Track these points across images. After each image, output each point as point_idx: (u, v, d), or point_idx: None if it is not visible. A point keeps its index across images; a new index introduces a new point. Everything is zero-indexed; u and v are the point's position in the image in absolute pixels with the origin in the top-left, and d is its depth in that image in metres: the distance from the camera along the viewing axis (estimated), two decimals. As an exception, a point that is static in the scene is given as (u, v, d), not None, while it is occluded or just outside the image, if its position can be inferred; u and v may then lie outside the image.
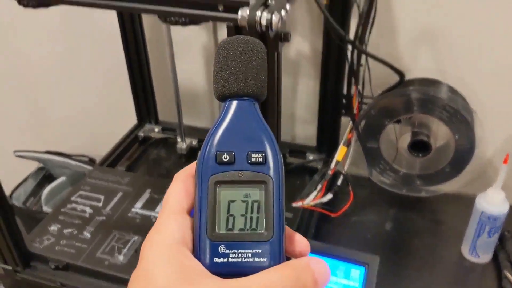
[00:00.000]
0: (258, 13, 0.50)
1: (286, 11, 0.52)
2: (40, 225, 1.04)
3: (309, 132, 1.33)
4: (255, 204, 0.36)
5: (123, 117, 1.46)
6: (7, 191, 1.49)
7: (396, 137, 1.11)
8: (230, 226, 0.36)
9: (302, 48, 1.24)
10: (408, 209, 1.17)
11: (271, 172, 0.36)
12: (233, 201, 0.36)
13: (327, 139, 1.23)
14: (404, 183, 1.14)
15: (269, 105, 0.57)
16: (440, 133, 1.08)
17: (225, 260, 0.35)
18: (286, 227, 0.37)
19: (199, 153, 0.37)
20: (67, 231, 1.02)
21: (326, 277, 0.34)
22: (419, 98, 1.01)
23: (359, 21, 1.00)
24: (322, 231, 1.10)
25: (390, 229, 1.12)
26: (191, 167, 0.39)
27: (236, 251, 0.35)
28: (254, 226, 0.36)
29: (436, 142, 1.08)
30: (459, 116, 0.99)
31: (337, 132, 1.22)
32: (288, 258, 0.36)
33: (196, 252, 0.35)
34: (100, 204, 1.08)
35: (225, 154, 0.36)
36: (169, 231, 0.35)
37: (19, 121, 1.69)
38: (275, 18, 0.49)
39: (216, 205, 0.36)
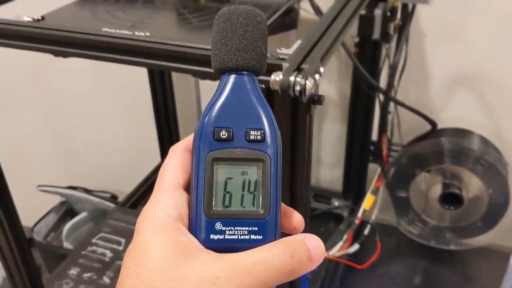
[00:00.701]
0: (291, 78, 0.48)
1: (320, 74, 0.50)
2: (60, 268, 1.03)
3: (334, 176, 1.30)
4: (252, 182, 0.35)
5: (147, 155, 1.45)
6: (29, 225, 1.51)
7: (426, 187, 1.07)
8: (227, 203, 0.35)
9: (329, 91, 1.22)
10: (438, 262, 1.12)
11: (269, 150, 0.35)
12: (230, 178, 0.35)
13: (354, 185, 1.19)
14: (433, 235, 1.09)
15: (298, 170, 0.55)
16: (473, 185, 1.04)
17: (221, 237, 0.35)
18: (283, 204, 0.37)
19: (196, 127, 0.36)
20: (86, 275, 1.00)
21: (321, 253, 0.34)
22: (451, 149, 0.98)
23: (390, 68, 0.98)
24: (348, 284, 1.06)
25: (419, 283, 1.07)
26: (188, 141, 0.37)
27: (232, 228, 0.35)
28: (250, 203, 0.35)
29: (468, 194, 1.04)
30: (494, 170, 0.95)
31: (364, 178, 1.18)
32: (287, 235, 0.36)
33: (192, 228, 0.35)
34: (121, 248, 1.06)
35: (223, 131, 0.35)
36: (164, 207, 0.34)
37: (45, 154, 1.70)
38: (309, 83, 0.47)
39: (213, 182, 0.35)
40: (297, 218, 0.38)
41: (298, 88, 0.48)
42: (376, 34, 0.93)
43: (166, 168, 0.37)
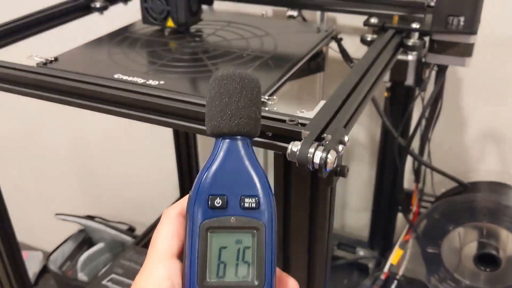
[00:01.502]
0: (310, 150, 0.42)
1: (345, 144, 0.45)
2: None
3: (360, 222, 1.22)
4: (247, 251, 0.35)
5: (166, 188, 1.42)
6: (47, 254, 1.49)
7: (460, 244, 0.99)
8: (220, 274, 0.35)
9: (357, 133, 1.16)
10: (471, 325, 1.03)
11: (264, 218, 0.35)
12: (224, 248, 0.35)
13: (381, 235, 1.12)
14: (466, 295, 1.01)
15: (317, 247, 0.49)
16: (510, 245, 0.95)
17: None
18: (278, 269, 0.36)
19: (190, 194, 0.35)
20: (93, 320, 0.95)
21: None
22: (488, 206, 0.90)
23: (421, 115, 0.91)
24: None
25: None
26: (181, 205, 0.37)
27: None
28: (245, 274, 0.35)
29: (506, 254, 0.95)
30: (535, 231, 0.87)
31: (392, 228, 1.11)
32: None
33: None
34: (131, 292, 1.01)
35: (218, 198, 0.35)
36: (156, 279, 0.34)
37: (66, 182, 1.68)
38: (330, 157, 0.42)
39: (207, 252, 0.35)
40: (292, 285, 0.37)
41: (318, 161, 0.42)
42: (410, 80, 0.87)
43: (159, 236, 0.36)
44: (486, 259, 0.94)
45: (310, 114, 0.49)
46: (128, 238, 1.43)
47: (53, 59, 0.69)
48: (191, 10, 0.77)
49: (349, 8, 0.78)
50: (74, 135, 1.56)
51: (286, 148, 0.46)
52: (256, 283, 0.34)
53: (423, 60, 0.84)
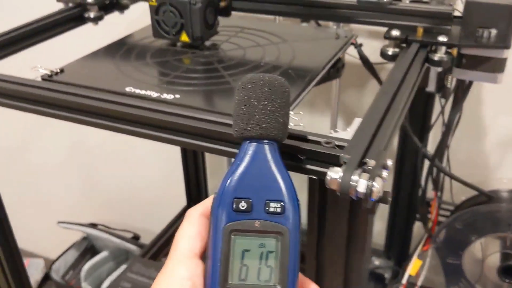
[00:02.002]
0: (354, 178, 0.38)
1: (388, 168, 0.41)
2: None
3: (376, 230, 1.19)
4: (270, 255, 0.35)
5: (173, 196, 1.37)
6: (50, 261, 1.45)
7: (483, 255, 0.95)
8: (243, 276, 0.35)
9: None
10: (492, 337, 1.00)
11: (289, 223, 0.35)
12: (247, 251, 0.35)
13: (397, 244, 1.08)
14: (488, 307, 0.97)
15: (354, 279, 0.45)
16: (536, 255, 0.92)
17: None
18: (300, 274, 0.36)
19: (215, 196, 0.35)
20: None
21: None
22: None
23: (444, 127, 0.88)
24: None
25: None
26: (205, 206, 0.37)
27: None
28: (267, 278, 0.35)
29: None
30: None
31: (409, 238, 1.07)
32: None
33: None
34: (141, 308, 0.97)
35: (243, 202, 0.35)
36: (178, 278, 0.34)
37: (69, 188, 1.64)
38: (377, 186, 0.38)
39: (230, 254, 0.34)
40: None
41: (363, 190, 0.38)
42: (431, 87, 0.83)
43: (182, 236, 0.36)
44: (510, 270, 0.90)
45: (347, 134, 0.45)
46: (132, 247, 1.40)
47: (58, 70, 0.65)
48: (207, 23, 0.71)
49: (369, 19, 0.72)
50: (75, 140, 1.51)
51: (323, 173, 0.42)
52: (278, 287, 0.34)
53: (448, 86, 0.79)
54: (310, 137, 0.44)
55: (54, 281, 1.42)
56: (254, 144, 0.36)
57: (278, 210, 0.35)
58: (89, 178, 1.59)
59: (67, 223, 1.48)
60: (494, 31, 0.64)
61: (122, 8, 0.88)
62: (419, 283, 0.98)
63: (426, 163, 0.97)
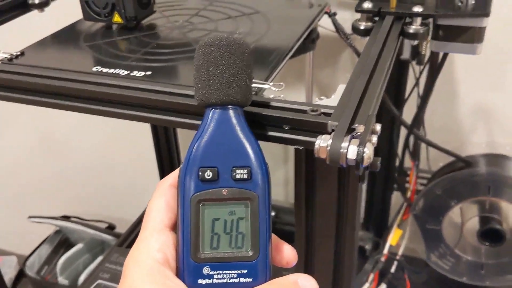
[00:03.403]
0: (344, 145, 0.37)
1: (377, 133, 0.39)
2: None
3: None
4: (241, 222, 0.34)
5: (146, 180, 1.34)
6: (23, 257, 1.41)
7: (462, 220, 0.96)
8: (214, 245, 0.34)
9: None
10: (472, 300, 1.02)
11: (257, 188, 0.34)
12: (217, 219, 0.34)
13: (377, 216, 1.08)
14: (467, 271, 0.99)
15: (346, 249, 0.44)
16: (512, 216, 0.93)
17: (210, 281, 0.34)
18: (273, 236, 0.35)
19: (181, 167, 0.35)
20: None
21: None
22: (490, 180, 0.88)
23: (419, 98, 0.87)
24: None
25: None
26: (174, 176, 0.36)
27: (221, 272, 0.34)
28: (239, 245, 0.34)
29: (509, 225, 0.93)
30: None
31: (388, 208, 1.08)
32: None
33: (180, 273, 0.34)
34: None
35: (208, 171, 0.34)
36: (150, 251, 0.34)
37: (37, 181, 1.58)
38: (367, 151, 0.36)
39: (199, 224, 0.34)
40: (288, 252, 0.36)
41: (353, 157, 0.36)
42: (406, 54, 0.82)
43: (152, 208, 0.36)
44: (490, 234, 0.92)
45: (332, 101, 0.43)
46: (108, 237, 1.36)
47: (19, 53, 0.61)
48: (141, 1, 0.66)
49: None
50: (41, 132, 1.46)
51: (309, 143, 0.40)
52: (250, 253, 0.34)
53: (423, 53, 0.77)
54: (295, 106, 0.42)
55: (29, 277, 1.38)
56: (217, 110, 0.35)
57: (245, 176, 0.34)
58: (58, 170, 1.54)
59: (38, 217, 1.43)
60: None
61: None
62: (400, 252, 0.99)
63: (402, 132, 0.97)
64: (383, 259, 0.97)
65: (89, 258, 1.39)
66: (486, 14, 0.61)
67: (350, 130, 0.39)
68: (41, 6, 0.77)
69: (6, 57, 0.59)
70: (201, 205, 0.34)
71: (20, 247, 1.63)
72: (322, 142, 0.38)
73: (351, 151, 0.37)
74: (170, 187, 0.36)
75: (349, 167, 0.37)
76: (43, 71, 0.52)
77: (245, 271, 0.34)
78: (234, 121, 0.35)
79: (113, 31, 0.68)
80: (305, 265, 0.48)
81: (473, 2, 0.61)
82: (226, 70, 0.35)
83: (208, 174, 0.34)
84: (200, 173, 0.34)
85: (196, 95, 0.36)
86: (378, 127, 0.40)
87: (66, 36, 0.68)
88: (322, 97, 0.44)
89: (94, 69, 0.55)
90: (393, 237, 0.98)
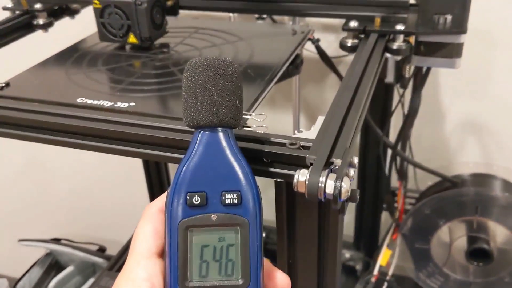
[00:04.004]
0: (321, 179, 0.37)
1: (355, 166, 0.40)
2: None
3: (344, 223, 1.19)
4: (231, 248, 0.33)
5: (136, 202, 1.34)
6: (13, 279, 1.39)
7: (450, 239, 0.97)
8: (203, 273, 0.33)
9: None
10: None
11: (248, 214, 0.33)
12: (206, 246, 0.33)
13: (366, 236, 1.09)
14: (455, 289, 0.99)
15: (328, 278, 0.44)
16: (499, 235, 0.94)
17: None
18: (266, 262, 0.35)
19: (168, 191, 0.34)
20: None
21: None
22: (477, 200, 0.89)
23: (404, 117, 0.88)
24: None
25: None
26: (162, 201, 0.35)
27: None
28: (229, 273, 0.33)
29: (496, 244, 0.94)
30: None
31: (377, 228, 1.08)
32: None
33: None
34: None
35: (196, 196, 0.33)
36: (136, 280, 0.33)
37: (26, 204, 1.58)
38: (344, 186, 0.37)
39: (188, 251, 0.33)
40: (281, 279, 0.35)
41: (331, 191, 0.37)
42: (390, 77, 0.83)
43: (138, 235, 0.35)
44: (478, 253, 0.92)
45: (311, 133, 0.44)
46: (99, 259, 1.36)
47: (4, 84, 0.61)
48: (155, 23, 0.69)
49: (325, 11, 0.71)
50: (29, 155, 1.45)
51: (289, 176, 0.41)
52: (241, 281, 0.33)
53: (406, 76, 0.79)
54: (274, 139, 0.43)
55: (20, 301, 1.37)
56: (206, 133, 0.34)
57: (235, 201, 0.33)
58: (47, 193, 1.54)
59: (28, 241, 1.42)
60: (449, 17, 0.64)
61: (72, 13, 0.85)
62: (390, 272, 0.99)
63: (389, 152, 0.98)
64: (373, 279, 0.97)
65: (80, 281, 1.38)
66: (463, 31, 0.64)
67: (328, 164, 0.39)
68: (45, 26, 0.80)
69: (-9, 88, 0.60)
70: (189, 232, 0.33)
71: (10, 270, 1.62)
72: (301, 177, 0.38)
73: (329, 185, 0.37)
74: (157, 212, 0.35)
75: (327, 200, 0.38)
76: (24, 104, 0.53)
77: None
78: (223, 143, 0.34)
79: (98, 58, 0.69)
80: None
81: (450, 20, 0.64)
82: (214, 91, 0.34)
83: (196, 199, 0.33)
84: (188, 198, 0.33)
85: (184, 117, 0.35)
86: (355, 160, 0.40)
87: (54, 64, 0.68)
88: (301, 130, 0.45)
89: (79, 100, 0.56)
90: (382, 257, 0.98)
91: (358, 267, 1.09)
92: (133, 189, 1.37)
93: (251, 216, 0.33)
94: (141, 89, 0.59)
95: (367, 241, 1.09)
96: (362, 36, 0.68)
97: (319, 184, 0.37)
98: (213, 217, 0.33)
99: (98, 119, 0.48)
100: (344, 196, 0.37)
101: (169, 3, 0.75)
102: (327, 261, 0.44)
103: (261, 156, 0.41)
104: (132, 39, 0.68)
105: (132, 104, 0.55)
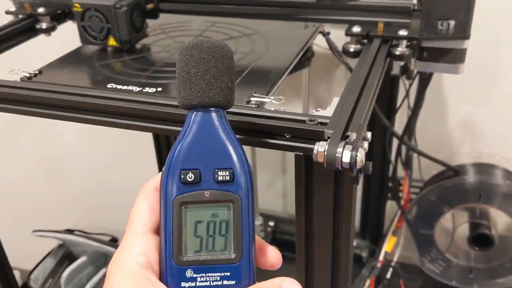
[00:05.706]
0: (339, 150, 0.41)
1: (368, 140, 0.44)
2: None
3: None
4: (223, 224, 0.34)
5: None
6: (26, 272, 1.43)
7: (453, 226, 1.01)
8: (197, 248, 0.34)
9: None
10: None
11: (240, 190, 0.34)
12: (200, 222, 0.34)
13: (372, 224, 1.13)
14: (456, 275, 1.03)
15: (343, 248, 0.49)
16: (500, 222, 0.98)
17: (193, 284, 0.34)
18: (257, 238, 0.36)
19: (163, 170, 0.35)
20: None
21: None
22: (480, 188, 0.93)
23: (410, 111, 0.92)
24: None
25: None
26: (157, 180, 0.36)
27: (204, 274, 0.34)
28: (222, 247, 0.34)
29: (497, 231, 0.98)
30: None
31: (382, 216, 1.12)
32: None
33: (163, 276, 0.34)
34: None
35: (190, 173, 0.34)
36: (133, 254, 0.34)
37: (41, 196, 1.62)
38: (359, 155, 0.41)
39: (182, 227, 0.34)
40: (272, 254, 0.36)
41: (347, 160, 0.41)
42: (396, 70, 0.87)
43: (135, 212, 0.36)
44: (480, 239, 0.96)
45: (327, 112, 0.48)
46: (111, 249, 1.40)
47: (37, 72, 0.66)
48: (135, 26, 0.70)
49: (329, 17, 0.73)
50: (43, 147, 1.50)
51: (308, 149, 0.45)
52: (233, 256, 0.34)
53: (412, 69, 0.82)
54: (294, 117, 0.47)
55: (34, 290, 1.40)
56: (199, 113, 0.35)
57: (227, 178, 0.34)
58: (61, 185, 1.58)
59: (42, 231, 1.47)
60: (452, 22, 0.64)
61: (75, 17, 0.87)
62: (395, 259, 1.03)
63: (395, 143, 1.02)
64: (379, 265, 1.01)
65: (92, 271, 1.42)
66: (466, 36, 0.65)
67: (344, 137, 0.44)
68: (48, 30, 0.82)
69: (25, 76, 0.64)
70: (183, 208, 0.34)
71: (22, 262, 1.65)
72: (320, 148, 0.42)
73: (345, 155, 0.41)
74: (153, 190, 0.37)
75: (344, 169, 0.42)
76: (60, 87, 0.57)
77: (228, 274, 0.34)
78: (216, 123, 0.35)
79: (116, 53, 0.72)
80: (305, 263, 0.52)
81: (453, 26, 0.65)
82: (207, 72, 0.35)
83: (190, 177, 0.34)
84: (182, 176, 0.34)
85: (178, 98, 0.36)
86: (369, 134, 0.45)
87: (75, 58, 0.72)
88: (318, 109, 0.49)
89: (109, 86, 0.60)
90: (388, 244, 1.02)
91: (364, 254, 1.13)
92: (145, 181, 1.41)
93: (243, 193, 0.34)
94: (166, 76, 0.64)
95: (373, 229, 1.13)
96: (365, 41, 0.70)
97: (337, 154, 0.42)
98: (207, 193, 0.34)
99: (129, 100, 0.53)
100: (359, 165, 0.42)
101: (149, 6, 0.76)
102: (341, 228, 0.48)
103: (283, 132, 0.46)
104: (112, 42, 0.70)
105: (160, 89, 0.60)
